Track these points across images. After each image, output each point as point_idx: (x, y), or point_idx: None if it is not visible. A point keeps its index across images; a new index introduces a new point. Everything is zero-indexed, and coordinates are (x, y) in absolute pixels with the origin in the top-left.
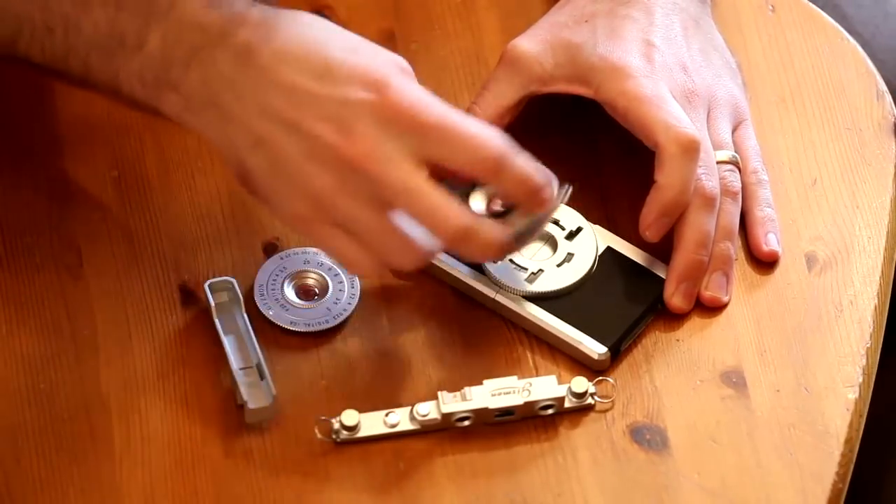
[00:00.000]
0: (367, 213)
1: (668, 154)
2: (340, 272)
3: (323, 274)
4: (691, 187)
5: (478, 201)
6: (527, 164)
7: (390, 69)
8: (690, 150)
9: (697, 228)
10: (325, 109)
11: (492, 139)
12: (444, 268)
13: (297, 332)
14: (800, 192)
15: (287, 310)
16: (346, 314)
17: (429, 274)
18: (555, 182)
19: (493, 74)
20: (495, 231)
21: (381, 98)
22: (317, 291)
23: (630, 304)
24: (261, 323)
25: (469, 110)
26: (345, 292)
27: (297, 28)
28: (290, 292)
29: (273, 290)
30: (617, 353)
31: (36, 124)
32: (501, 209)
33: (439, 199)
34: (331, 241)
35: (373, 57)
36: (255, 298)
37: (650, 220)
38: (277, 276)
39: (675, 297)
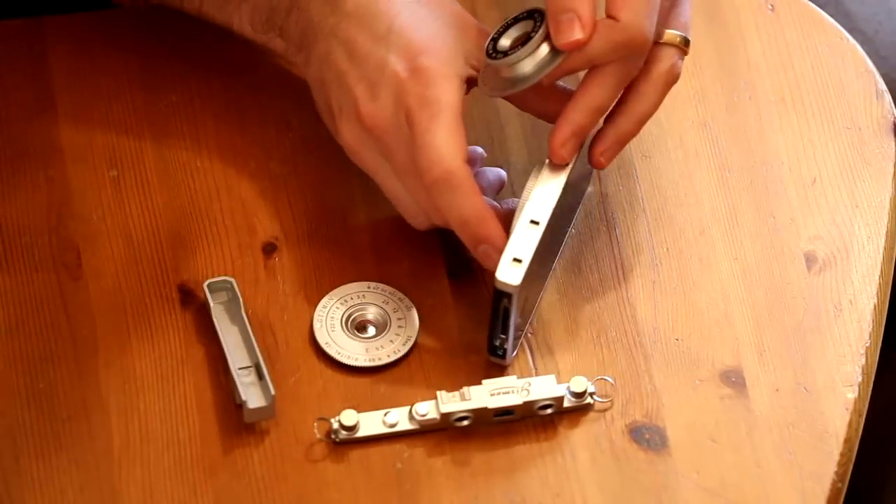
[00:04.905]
0: (384, 166)
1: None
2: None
3: None
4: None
5: (505, 39)
6: (462, 206)
7: (436, 56)
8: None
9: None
10: (366, 70)
11: (444, 160)
12: None
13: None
14: (799, 191)
15: None
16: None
17: (428, 273)
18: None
19: None
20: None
21: (408, 76)
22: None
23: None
24: (259, 322)
25: None
26: None
27: None
28: None
29: None
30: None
31: (35, 124)
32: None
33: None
34: (375, 170)
35: (432, 39)
36: None
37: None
38: None
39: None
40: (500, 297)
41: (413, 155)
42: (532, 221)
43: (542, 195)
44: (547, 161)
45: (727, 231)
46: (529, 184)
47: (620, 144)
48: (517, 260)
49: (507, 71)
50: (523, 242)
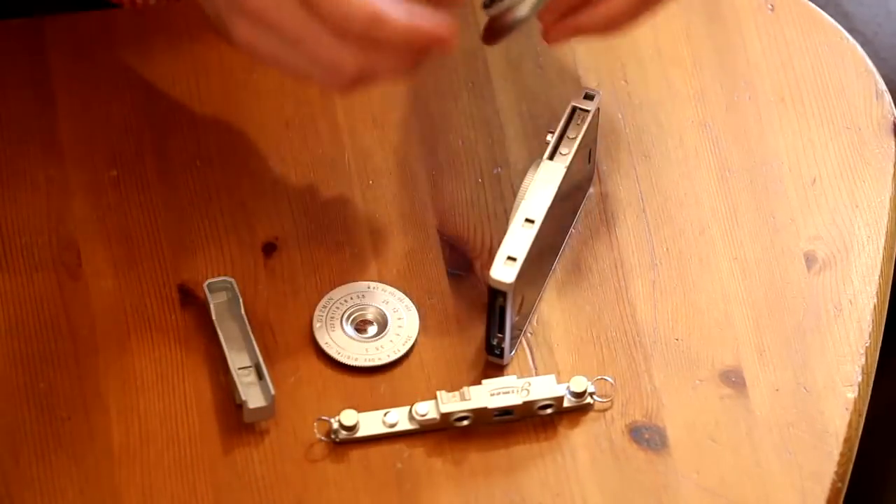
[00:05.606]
0: (284, 49)
1: None
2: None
3: None
4: None
5: None
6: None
7: None
8: None
9: None
10: None
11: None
12: None
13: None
14: (799, 191)
15: None
16: None
17: (428, 273)
18: None
19: None
20: (404, 16)
21: None
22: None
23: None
24: (259, 322)
25: None
26: None
27: None
28: None
29: None
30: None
31: (35, 124)
32: None
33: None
34: (278, 57)
35: None
36: None
37: None
38: None
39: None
40: (496, 296)
41: (324, 15)
42: (527, 220)
43: (537, 194)
44: (543, 160)
45: (727, 231)
46: (525, 182)
47: (574, 32)
48: (511, 258)
49: (507, 15)
50: (518, 241)
